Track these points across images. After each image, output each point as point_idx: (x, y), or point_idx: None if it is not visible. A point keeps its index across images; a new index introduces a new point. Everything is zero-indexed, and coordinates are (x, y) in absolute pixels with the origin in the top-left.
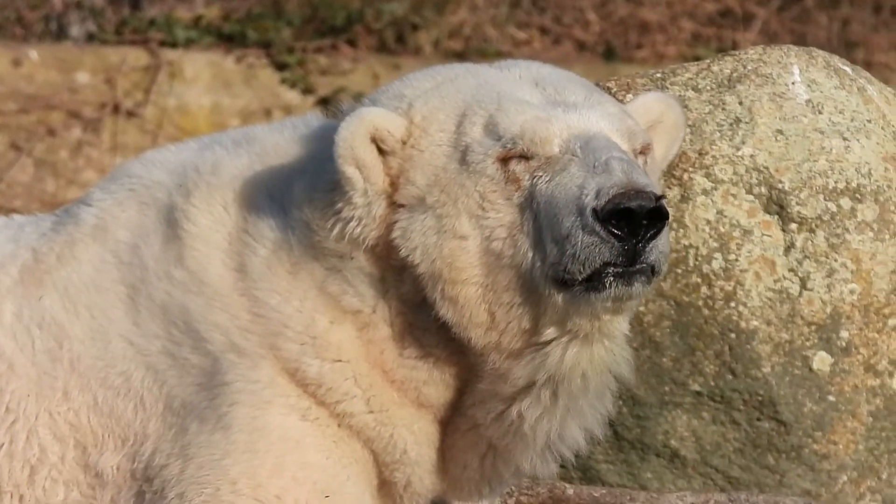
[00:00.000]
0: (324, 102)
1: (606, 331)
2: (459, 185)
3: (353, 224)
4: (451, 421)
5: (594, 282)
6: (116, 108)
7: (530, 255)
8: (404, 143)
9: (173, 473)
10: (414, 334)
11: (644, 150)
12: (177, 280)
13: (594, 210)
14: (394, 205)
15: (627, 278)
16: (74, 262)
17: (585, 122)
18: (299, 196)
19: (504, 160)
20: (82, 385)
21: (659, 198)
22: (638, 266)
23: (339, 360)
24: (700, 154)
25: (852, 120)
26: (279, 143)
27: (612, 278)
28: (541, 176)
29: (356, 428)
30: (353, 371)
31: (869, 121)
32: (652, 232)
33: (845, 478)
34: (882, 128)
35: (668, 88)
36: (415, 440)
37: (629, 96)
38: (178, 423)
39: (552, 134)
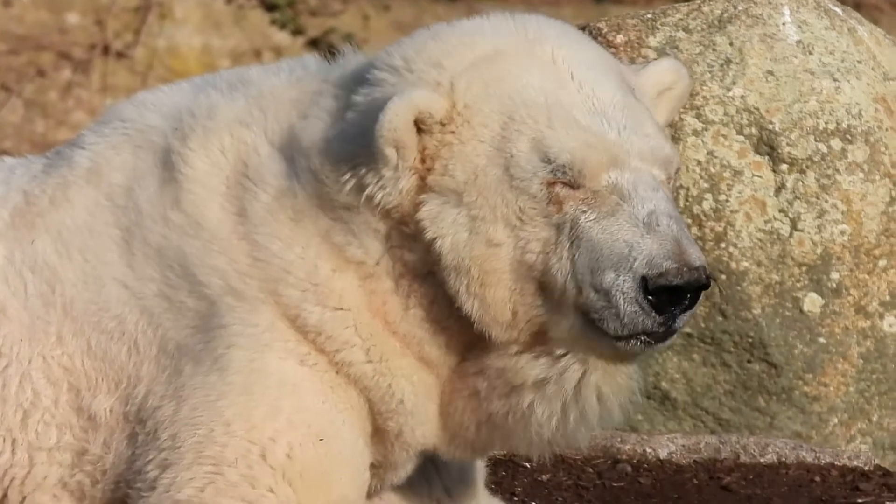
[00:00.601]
0: (314, 44)
1: (626, 369)
2: (500, 194)
3: (373, 188)
4: (451, 380)
5: (623, 340)
6: (106, 50)
7: (560, 278)
8: (443, 125)
9: (166, 415)
10: (420, 301)
11: (676, 172)
12: (173, 223)
13: (643, 278)
14: (422, 182)
15: (658, 343)
16: (67, 206)
17: (629, 153)
18: (307, 144)
19: (550, 182)
20: (76, 330)
21: (709, 275)
22: (671, 332)
23: (341, 309)
24: (691, 95)
25: (843, 61)
26: (276, 86)
27: (643, 345)
28: (585, 211)
29: (354, 377)
30: (353, 320)
31: (859, 62)
32: (691, 302)
33: (836, 420)
34: (872, 69)
35: (658, 29)
36: (413, 391)
37: (619, 37)
38: (171, 365)
39: (600, 167)
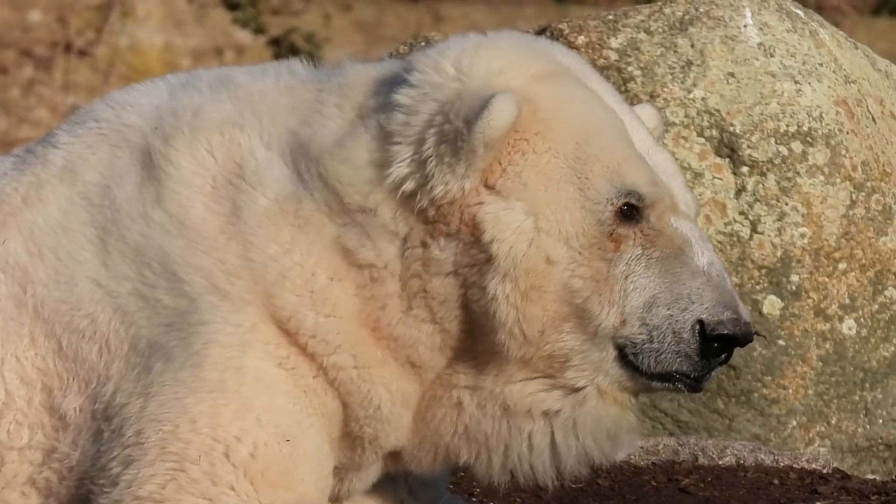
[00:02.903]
0: (276, 42)
1: (635, 407)
2: (569, 211)
3: (434, 182)
4: (433, 386)
5: (655, 379)
6: (68, 47)
7: (605, 308)
8: (516, 131)
9: (133, 412)
10: (427, 301)
11: None
12: (154, 221)
13: (700, 322)
14: (484, 182)
15: (687, 390)
16: (41, 205)
17: (678, 199)
18: (317, 151)
19: (618, 214)
20: (47, 331)
21: (755, 332)
22: (700, 381)
23: (333, 316)
24: (651, 96)
25: (804, 63)
26: (265, 90)
27: (674, 387)
28: (648, 248)
29: (338, 381)
30: (344, 327)
31: (821, 64)
32: (726, 357)
33: (794, 423)
34: (834, 71)
35: (619, 31)
36: (390, 399)
37: (581, 38)
38: (141, 363)
39: (666, 208)
